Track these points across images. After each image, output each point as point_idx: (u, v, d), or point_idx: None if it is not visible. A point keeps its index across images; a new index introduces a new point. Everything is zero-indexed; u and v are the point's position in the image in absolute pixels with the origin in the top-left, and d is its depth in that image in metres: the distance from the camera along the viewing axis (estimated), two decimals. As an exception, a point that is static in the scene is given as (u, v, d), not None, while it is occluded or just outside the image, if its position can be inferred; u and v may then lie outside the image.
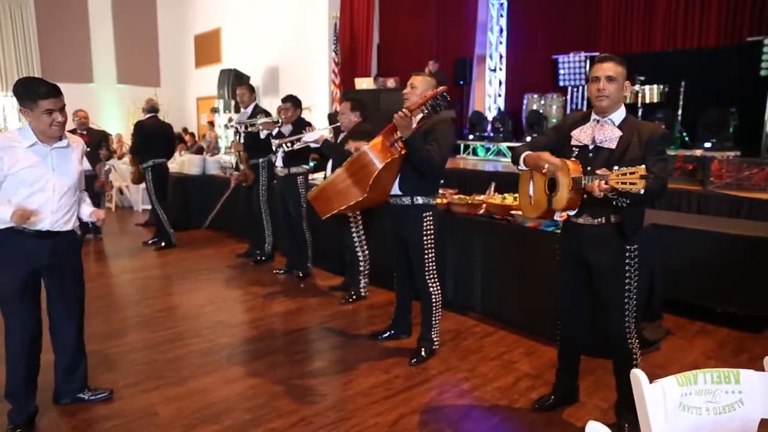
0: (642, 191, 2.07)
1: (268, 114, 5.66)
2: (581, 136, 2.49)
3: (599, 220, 2.45)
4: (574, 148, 2.50)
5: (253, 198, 5.75)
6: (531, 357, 3.49)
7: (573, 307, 2.71)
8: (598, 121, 2.46)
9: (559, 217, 2.68)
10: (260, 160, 5.60)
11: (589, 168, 2.38)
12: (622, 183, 2.10)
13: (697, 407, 1.40)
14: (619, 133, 2.40)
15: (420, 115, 3.25)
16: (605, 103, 2.40)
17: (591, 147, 2.45)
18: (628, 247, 2.45)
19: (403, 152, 3.20)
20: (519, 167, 2.62)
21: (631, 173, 2.08)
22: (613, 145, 2.39)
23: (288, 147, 4.76)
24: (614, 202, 2.31)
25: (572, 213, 2.53)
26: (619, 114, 2.44)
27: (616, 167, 2.20)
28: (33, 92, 2.47)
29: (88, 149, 6.36)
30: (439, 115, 3.27)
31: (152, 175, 6.30)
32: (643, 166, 2.09)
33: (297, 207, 5.09)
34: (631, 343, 2.55)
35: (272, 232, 5.77)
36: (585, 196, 2.39)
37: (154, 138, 6.29)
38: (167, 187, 6.69)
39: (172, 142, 6.87)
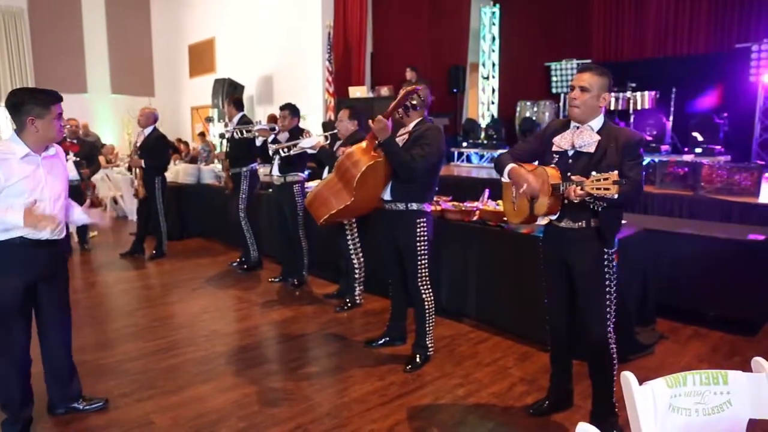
0: (616, 196, 2.18)
1: (251, 123, 5.71)
2: (561, 142, 2.58)
3: (580, 224, 2.53)
4: (554, 155, 2.60)
5: (232, 207, 5.78)
6: (525, 362, 3.51)
7: (559, 309, 2.75)
8: (577, 128, 2.55)
9: (542, 221, 2.75)
10: (243, 169, 5.63)
11: (569, 173, 2.47)
12: (596, 188, 2.21)
13: (687, 408, 1.41)
14: (597, 137, 2.49)
15: (414, 122, 3.35)
16: (575, 113, 2.51)
17: (571, 153, 2.54)
18: (607, 251, 2.53)
19: None
20: (503, 179, 2.69)
21: (604, 179, 2.19)
22: (591, 149, 2.48)
23: (285, 152, 4.79)
24: (591, 206, 2.41)
25: (554, 217, 2.61)
26: (597, 121, 2.53)
27: (594, 173, 2.28)
28: (43, 98, 2.51)
29: (78, 159, 6.35)
30: (431, 122, 3.36)
31: (161, 185, 6.28)
32: (616, 171, 2.20)
33: (294, 215, 5.11)
34: (611, 348, 2.59)
35: (255, 240, 5.79)
36: (566, 201, 2.47)
37: None
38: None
39: None
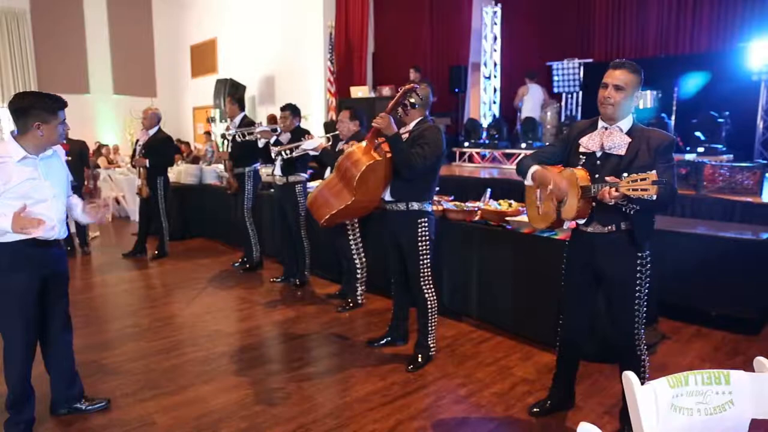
0: (655, 197, 2.05)
1: (252, 123, 5.72)
2: (589, 143, 2.46)
3: (609, 227, 2.43)
4: (581, 156, 2.49)
5: (237, 207, 5.79)
6: (527, 362, 3.50)
7: (577, 314, 2.69)
8: (606, 128, 2.44)
9: (567, 225, 2.67)
10: (246, 169, 5.65)
11: (596, 176, 2.37)
12: (633, 189, 2.09)
13: (689, 408, 1.41)
14: (628, 139, 2.38)
15: (414, 121, 3.35)
16: (609, 111, 2.39)
17: (599, 154, 2.44)
18: (640, 254, 2.43)
19: (388, 155, 3.25)
20: (526, 182, 2.60)
21: (642, 179, 2.06)
22: (622, 152, 2.37)
23: (287, 154, 4.80)
24: (624, 209, 2.31)
25: (581, 222, 2.51)
26: (627, 121, 2.42)
27: (625, 174, 2.17)
28: (51, 104, 2.54)
29: (69, 158, 6.38)
30: (432, 122, 3.36)
31: (164, 184, 6.30)
32: (654, 171, 2.07)
33: (296, 215, 5.11)
34: (640, 351, 2.54)
35: (258, 240, 5.82)
36: (594, 204, 2.38)
37: None
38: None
39: None
